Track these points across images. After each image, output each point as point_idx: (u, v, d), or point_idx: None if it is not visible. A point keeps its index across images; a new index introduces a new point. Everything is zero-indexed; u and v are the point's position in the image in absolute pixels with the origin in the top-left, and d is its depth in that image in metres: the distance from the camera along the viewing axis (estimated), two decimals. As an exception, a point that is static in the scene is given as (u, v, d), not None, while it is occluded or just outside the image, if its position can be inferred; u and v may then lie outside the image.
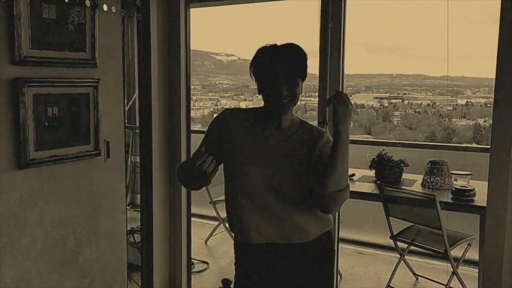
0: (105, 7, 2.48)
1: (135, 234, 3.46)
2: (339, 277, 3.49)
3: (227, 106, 6.11)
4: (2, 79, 2.08)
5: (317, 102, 2.87)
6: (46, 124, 2.26)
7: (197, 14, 3.35)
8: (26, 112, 2.15)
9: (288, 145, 1.64)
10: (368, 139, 5.11)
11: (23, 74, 2.14)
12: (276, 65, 1.55)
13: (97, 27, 2.44)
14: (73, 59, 2.35)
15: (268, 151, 1.63)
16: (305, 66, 1.60)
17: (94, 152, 2.50)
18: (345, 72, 2.85)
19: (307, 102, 5.68)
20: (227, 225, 3.60)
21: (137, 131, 3.35)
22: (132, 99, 4.10)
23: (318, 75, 2.85)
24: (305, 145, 1.63)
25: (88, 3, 2.38)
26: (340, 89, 2.83)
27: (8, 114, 2.11)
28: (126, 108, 3.09)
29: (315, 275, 1.72)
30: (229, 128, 1.67)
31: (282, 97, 1.56)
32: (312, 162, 1.60)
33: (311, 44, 2.84)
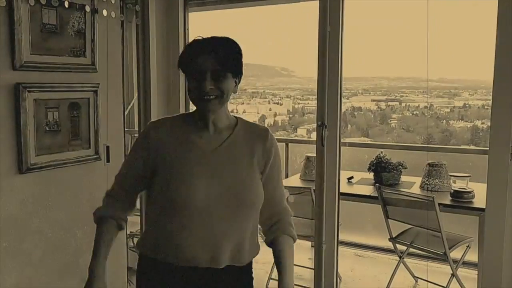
0: (104, 12, 2.49)
1: (134, 238, 3.45)
2: (338, 280, 3.49)
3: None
4: (2, 85, 2.09)
5: (314, 105, 2.88)
6: (47, 129, 2.26)
7: (194, 18, 3.37)
8: (26, 117, 2.16)
9: (229, 149, 1.44)
10: (366, 142, 5.13)
11: (23, 79, 2.15)
12: (202, 57, 1.36)
13: (97, 32, 2.45)
14: (73, 64, 2.36)
15: (207, 160, 1.42)
16: (237, 61, 1.42)
17: (94, 156, 2.51)
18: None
19: (305, 105, 5.70)
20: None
21: (136, 135, 3.35)
22: (131, 104, 4.11)
23: (316, 78, 2.87)
24: (247, 146, 1.46)
25: (88, 9, 2.39)
26: (338, 92, 2.85)
27: (9, 119, 2.12)
28: (126, 113, 3.10)
29: None
30: (158, 144, 1.44)
31: (205, 92, 1.36)
32: (259, 168, 1.46)
33: (309, 47, 2.86)
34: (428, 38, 2.61)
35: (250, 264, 1.52)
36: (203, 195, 1.38)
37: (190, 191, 1.38)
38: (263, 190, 1.46)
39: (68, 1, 2.28)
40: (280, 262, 1.49)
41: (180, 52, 1.48)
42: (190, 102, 1.51)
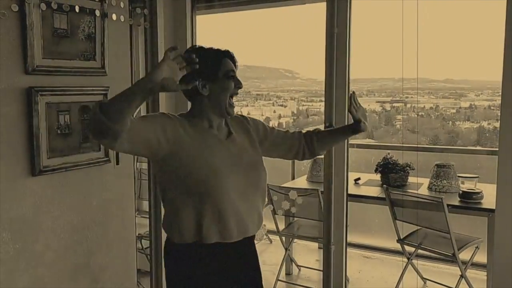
0: (114, 17, 2.51)
1: (142, 240, 3.47)
2: (346, 281, 3.49)
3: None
4: (15, 88, 2.12)
5: (318, 107, 2.89)
6: (58, 132, 2.29)
7: (201, 21, 3.39)
8: (39, 120, 2.18)
9: (236, 138, 1.67)
10: (371, 143, 5.12)
11: (35, 83, 2.18)
12: (231, 61, 1.64)
13: (106, 36, 2.48)
14: (83, 68, 2.39)
15: (226, 147, 1.62)
16: None
17: (104, 159, 2.53)
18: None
19: (309, 107, 5.71)
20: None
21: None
22: (139, 107, 4.14)
23: (321, 80, 2.88)
24: (243, 133, 1.72)
25: (98, 13, 2.41)
26: (346, 93, 2.85)
27: (22, 122, 2.15)
28: (134, 116, 3.12)
29: (257, 263, 1.77)
30: (179, 129, 1.56)
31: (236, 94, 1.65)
32: (264, 137, 1.77)
33: (314, 49, 2.87)
34: (417, 37, 2.62)
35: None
36: (226, 177, 1.55)
37: (216, 173, 1.54)
38: (277, 139, 1.82)
39: (79, 6, 2.31)
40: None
41: (214, 56, 1.63)
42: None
